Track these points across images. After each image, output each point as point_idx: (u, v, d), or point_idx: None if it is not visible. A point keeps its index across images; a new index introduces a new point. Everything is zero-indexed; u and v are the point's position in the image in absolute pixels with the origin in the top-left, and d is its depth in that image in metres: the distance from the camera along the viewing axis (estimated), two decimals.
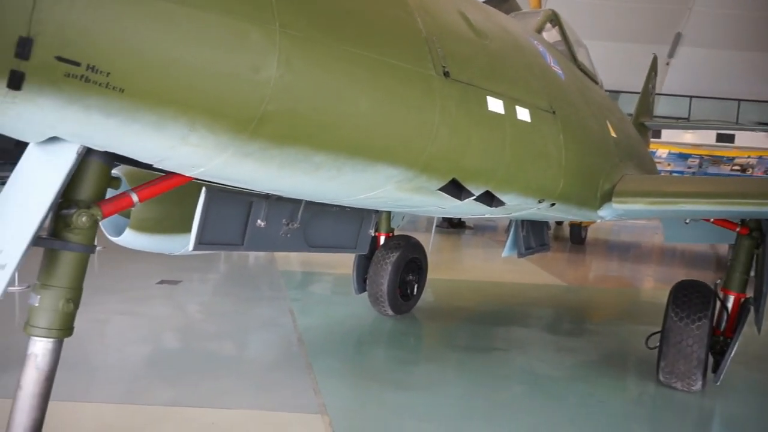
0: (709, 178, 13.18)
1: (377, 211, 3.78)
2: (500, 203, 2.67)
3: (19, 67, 1.37)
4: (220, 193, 2.65)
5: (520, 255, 5.55)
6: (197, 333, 5.33)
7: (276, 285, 7.49)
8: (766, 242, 4.25)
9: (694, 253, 14.44)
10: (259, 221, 2.90)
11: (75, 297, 2.00)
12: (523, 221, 5.32)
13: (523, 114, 2.69)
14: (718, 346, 4.44)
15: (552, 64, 3.45)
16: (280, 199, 2.94)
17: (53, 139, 1.75)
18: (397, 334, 5.72)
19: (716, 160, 21.34)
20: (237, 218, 2.85)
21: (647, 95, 10.01)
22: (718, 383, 4.36)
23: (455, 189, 2.40)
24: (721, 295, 4.54)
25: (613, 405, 4.32)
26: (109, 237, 4.01)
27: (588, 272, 11.02)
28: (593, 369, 5.11)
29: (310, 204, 3.07)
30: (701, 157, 21.14)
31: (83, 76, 1.43)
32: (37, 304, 1.93)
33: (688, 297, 4.40)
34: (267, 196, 2.89)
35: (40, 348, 1.95)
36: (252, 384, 4.15)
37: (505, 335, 5.94)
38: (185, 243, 2.96)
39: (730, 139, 21.19)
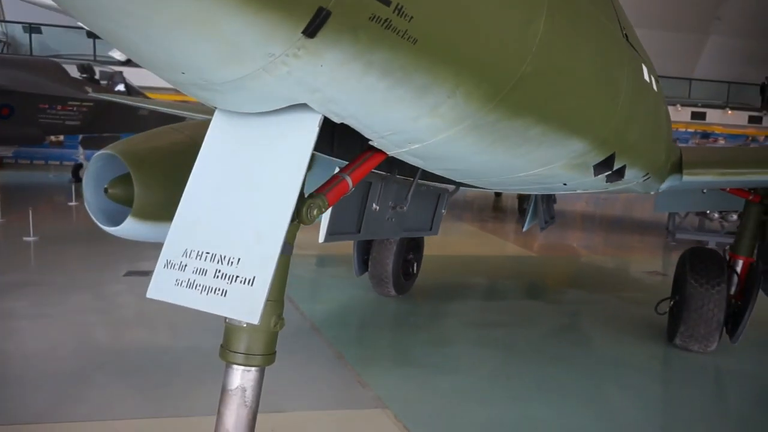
0: (745, 148, 13.76)
1: (453, 191, 3.54)
2: (620, 179, 2.56)
3: (328, 3, 1.01)
4: None
5: (542, 228, 5.55)
6: (194, 330, 4.81)
7: None
8: None
9: (614, 218, 15.46)
10: (374, 205, 2.57)
11: (282, 312, 1.61)
12: (543, 196, 5.30)
13: (654, 84, 2.58)
14: (730, 309, 4.70)
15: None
16: (393, 179, 2.62)
17: (283, 110, 1.37)
18: (408, 315, 5.55)
19: None
20: (357, 203, 2.50)
21: None
22: (737, 344, 4.64)
23: (603, 165, 2.24)
24: (729, 259, 4.80)
25: (645, 370, 4.48)
26: (102, 227, 3.48)
27: (542, 241, 11.40)
28: (608, 336, 5.24)
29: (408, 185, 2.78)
30: None
31: (386, 21, 1.10)
32: (245, 324, 1.52)
33: (705, 263, 4.59)
34: (383, 177, 2.56)
35: (248, 379, 1.56)
36: (292, 382, 3.81)
37: (509, 309, 5.96)
38: None
39: None
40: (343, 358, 4.26)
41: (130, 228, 3.34)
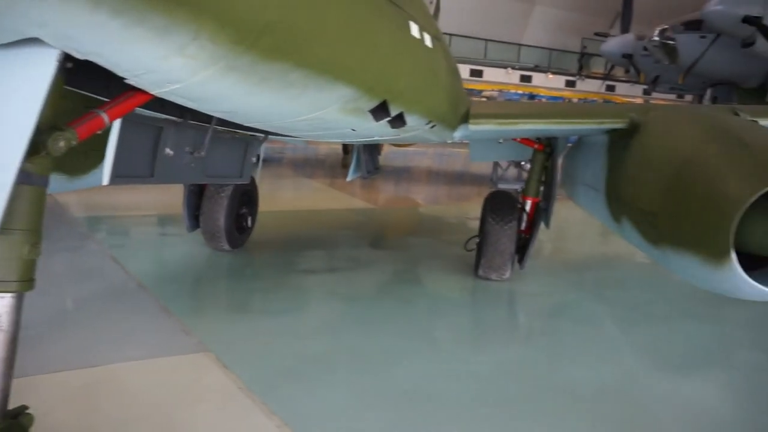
0: (532, 102, 14.95)
1: (262, 139, 3.62)
2: (403, 124, 2.86)
3: None
4: (132, 120, 2.28)
5: (364, 177, 5.88)
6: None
7: (77, 234, 6.53)
8: (554, 157, 5.33)
9: (455, 173, 16.79)
10: (167, 150, 2.58)
11: (39, 241, 1.63)
12: (364, 147, 5.60)
13: (428, 40, 2.88)
14: (520, 242, 5.51)
15: None
16: (187, 125, 2.65)
17: (20, 43, 1.35)
18: (241, 266, 5.65)
19: (469, 93, 24.68)
20: (148, 147, 2.49)
21: None
22: (523, 270, 5.48)
23: (380, 110, 2.50)
24: (521, 200, 5.60)
25: (452, 298, 5.13)
26: None
27: (385, 195, 12.05)
28: (427, 273, 5.85)
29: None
30: None
31: None
32: None
33: (501, 204, 5.32)
34: (176, 122, 2.58)
35: (3, 305, 1.57)
36: (111, 338, 3.75)
37: (344, 255, 6.34)
38: (98, 178, 2.52)
39: (480, 74, 24.66)
40: (169, 311, 4.27)
41: None
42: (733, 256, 2.65)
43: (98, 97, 1.91)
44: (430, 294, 5.25)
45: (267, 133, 3.29)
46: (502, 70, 25.11)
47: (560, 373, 3.80)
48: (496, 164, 11.90)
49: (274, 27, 1.62)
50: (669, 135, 3.36)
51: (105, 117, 1.73)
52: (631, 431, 3.12)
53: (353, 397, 3.25)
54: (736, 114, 3.96)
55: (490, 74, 24.89)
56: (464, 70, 24.45)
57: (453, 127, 4.03)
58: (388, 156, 19.43)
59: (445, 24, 24.11)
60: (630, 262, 6.66)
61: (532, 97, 25.81)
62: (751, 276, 2.73)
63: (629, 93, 27.15)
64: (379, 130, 2.88)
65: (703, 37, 12.22)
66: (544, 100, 25.27)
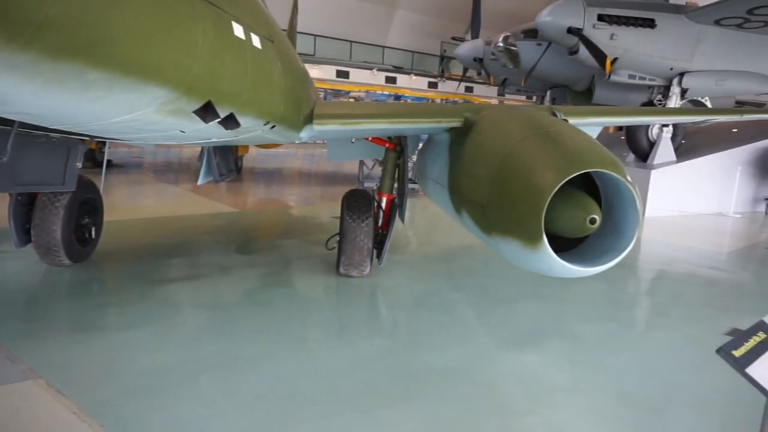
0: (377, 102, 15.25)
1: (84, 142, 3.31)
2: (237, 125, 2.81)
3: None
4: None
5: (216, 181, 5.66)
6: None
7: None
8: (404, 155, 5.58)
9: (327, 173, 16.91)
10: None
11: None
12: (215, 149, 5.39)
13: (256, 41, 2.85)
14: (378, 238, 5.70)
15: None
16: None
17: None
18: (85, 282, 5.18)
19: (337, 93, 24.92)
20: None
21: (293, 32, 10.93)
22: (382, 265, 5.67)
23: (206, 111, 2.43)
24: (377, 197, 5.79)
25: (315, 297, 5.15)
26: None
27: (253, 198, 11.77)
28: (292, 275, 5.82)
29: (16, 134, 2.52)
30: (325, 90, 24.30)
31: None
32: None
33: (357, 202, 5.46)
34: None
35: None
36: None
37: (206, 262, 6.09)
38: None
39: (347, 75, 25.00)
40: None
41: None
42: (545, 239, 2.98)
43: None
44: (293, 295, 5.23)
45: (88, 136, 3.05)
46: (368, 72, 25.69)
47: (416, 359, 4.00)
48: (362, 163, 12.15)
49: (57, 23, 1.50)
50: (494, 132, 3.69)
51: None
52: (476, 404, 3.38)
53: (204, 408, 3.15)
54: (554, 114, 4.45)
55: (357, 75, 25.35)
56: (331, 71, 24.67)
57: (297, 128, 4.05)
58: (256, 158, 19.01)
59: (309, 25, 24.15)
60: (481, 251, 7.19)
61: (398, 97, 26.71)
62: (562, 256, 3.09)
63: (486, 94, 29.22)
64: (212, 132, 2.81)
65: (539, 44, 13.60)
66: (409, 100, 26.30)
